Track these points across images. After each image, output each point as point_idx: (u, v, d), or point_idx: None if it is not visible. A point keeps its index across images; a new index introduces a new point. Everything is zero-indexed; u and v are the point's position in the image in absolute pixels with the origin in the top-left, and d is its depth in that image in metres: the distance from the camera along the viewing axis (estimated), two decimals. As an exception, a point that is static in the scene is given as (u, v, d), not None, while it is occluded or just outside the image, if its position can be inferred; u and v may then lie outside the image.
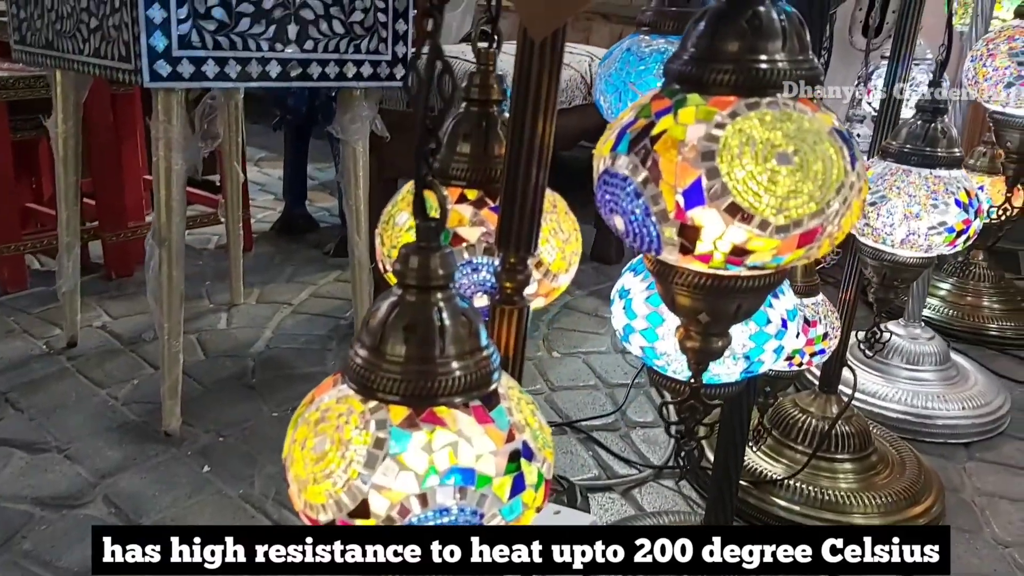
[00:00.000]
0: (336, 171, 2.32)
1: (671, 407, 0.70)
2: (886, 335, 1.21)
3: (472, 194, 0.69)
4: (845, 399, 1.28)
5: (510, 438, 0.51)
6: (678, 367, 0.77)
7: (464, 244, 0.68)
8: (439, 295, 0.51)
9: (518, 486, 0.50)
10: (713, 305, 0.61)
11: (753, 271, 0.58)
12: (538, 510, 0.53)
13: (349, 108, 1.47)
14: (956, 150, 1.06)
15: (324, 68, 1.37)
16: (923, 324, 1.67)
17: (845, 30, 2.28)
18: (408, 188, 0.74)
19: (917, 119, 1.06)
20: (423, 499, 0.47)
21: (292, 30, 1.32)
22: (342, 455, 0.48)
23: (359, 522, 0.48)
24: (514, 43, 0.67)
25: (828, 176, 0.53)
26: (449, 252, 0.52)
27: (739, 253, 0.54)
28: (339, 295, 2.08)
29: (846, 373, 1.31)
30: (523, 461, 0.51)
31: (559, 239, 0.71)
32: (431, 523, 0.48)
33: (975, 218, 1.04)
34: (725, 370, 0.76)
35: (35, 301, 1.93)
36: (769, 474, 1.26)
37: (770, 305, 0.77)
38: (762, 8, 0.56)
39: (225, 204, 1.96)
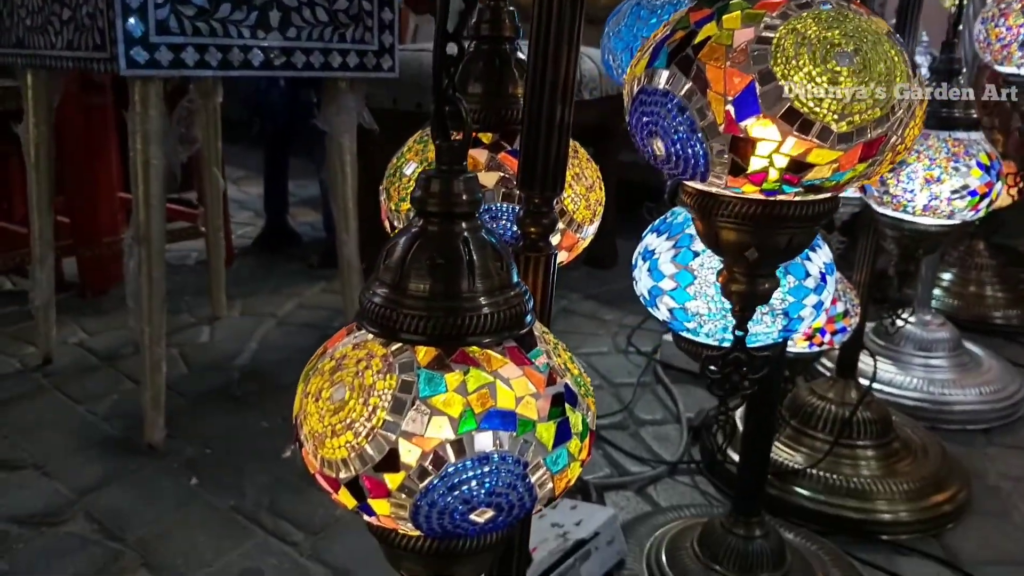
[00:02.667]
0: (319, 172, 2.25)
1: (712, 366, 0.64)
2: (906, 313, 1.16)
3: (487, 137, 0.64)
4: (863, 386, 1.23)
5: (551, 381, 0.45)
6: (711, 328, 0.71)
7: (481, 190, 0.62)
8: (464, 224, 0.45)
9: (563, 434, 0.44)
10: (762, 238, 0.55)
11: (807, 195, 0.52)
12: (583, 464, 0.47)
13: (334, 100, 1.41)
14: (973, 112, 1.02)
15: (308, 57, 1.31)
16: (933, 311, 1.63)
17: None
18: (415, 138, 0.68)
19: (932, 80, 1.02)
20: (459, 446, 0.41)
21: (275, 17, 1.26)
22: (364, 402, 0.42)
23: (387, 477, 0.42)
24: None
25: (892, 78, 0.48)
26: (473, 176, 0.46)
27: (796, 168, 0.49)
28: (326, 306, 2.00)
29: (862, 361, 1.26)
30: (567, 406, 0.45)
31: (583, 185, 0.66)
32: (469, 474, 0.42)
33: (997, 180, 1.00)
34: (764, 328, 0.71)
35: (7, 321, 1.84)
36: (790, 464, 1.19)
37: (807, 258, 0.72)
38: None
39: (205, 214, 1.89)
